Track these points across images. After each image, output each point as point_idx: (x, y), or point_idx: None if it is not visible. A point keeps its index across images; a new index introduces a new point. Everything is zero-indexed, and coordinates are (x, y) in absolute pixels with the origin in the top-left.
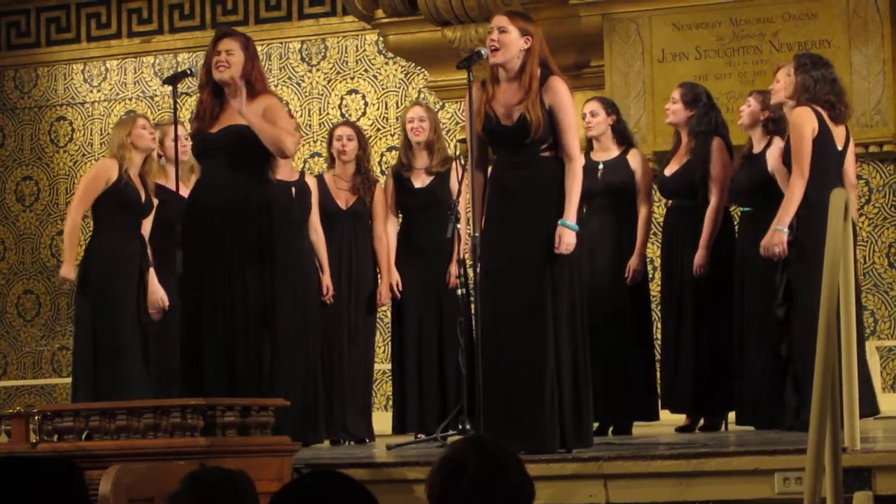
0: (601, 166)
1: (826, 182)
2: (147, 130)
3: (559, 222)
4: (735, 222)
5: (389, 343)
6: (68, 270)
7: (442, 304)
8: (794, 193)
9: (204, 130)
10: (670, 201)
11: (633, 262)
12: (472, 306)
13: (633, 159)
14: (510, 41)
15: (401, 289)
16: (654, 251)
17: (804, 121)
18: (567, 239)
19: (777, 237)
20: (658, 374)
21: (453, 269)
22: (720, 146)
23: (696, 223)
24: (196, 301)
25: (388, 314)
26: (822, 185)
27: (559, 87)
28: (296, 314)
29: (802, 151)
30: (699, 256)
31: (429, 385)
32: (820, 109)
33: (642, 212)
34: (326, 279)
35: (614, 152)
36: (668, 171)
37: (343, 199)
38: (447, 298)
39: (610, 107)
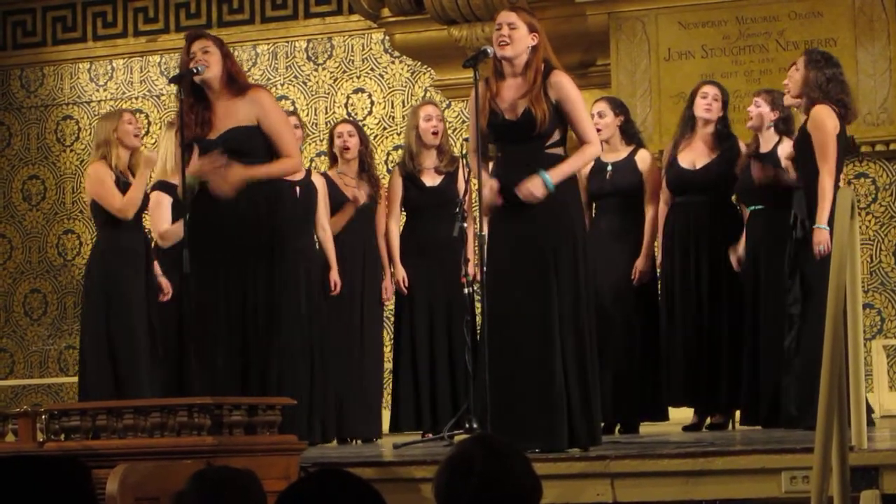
0: (610, 167)
1: (838, 181)
2: (133, 126)
3: (538, 172)
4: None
5: (393, 341)
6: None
7: (450, 303)
8: (827, 191)
9: (202, 138)
10: (678, 197)
11: (639, 263)
12: (479, 305)
13: (642, 160)
14: (520, 36)
15: (407, 285)
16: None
17: (828, 118)
18: (535, 189)
19: (821, 236)
20: (666, 372)
21: (463, 268)
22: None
23: (711, 218)
24: (207, 300)
25: (394, 313)
26: (834, 183)
27: (563, 81)
28: (304, 312)
29: (829, 149)
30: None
31: (440, 383)
32: (834, 108)
33: (649, 212)
34: (334, 275)
35: (623, 153)
36: (687, 164)
37: (352, 196)
38: (456, 297)
39: (618, 107)
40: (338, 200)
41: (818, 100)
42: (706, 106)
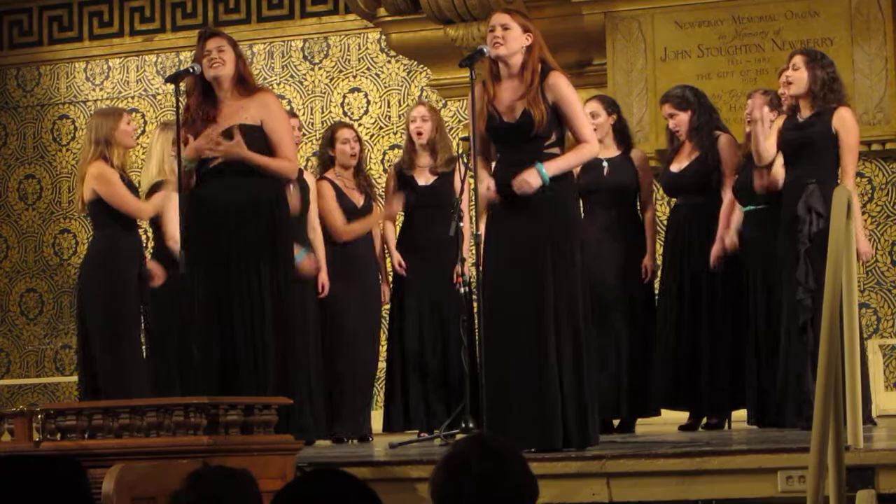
0: (605, 164)
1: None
2: (131, 127)
3: (535, 165)
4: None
5: (388, 340)
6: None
7: (445, 302)
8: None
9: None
10: (674, 199)
11: (648, 261)
12: (475, 304)
13: (637, 158)
14: (513, 37)
15: (405, 267)
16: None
17: (855, 123)
18: (530, 178)
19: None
20: (661, 370)
21: (459, 268)
22: (729, 141)
23: (704, 219)
24: (206, 300)
25: (388, 312)
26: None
27: (560, 82)
28: (304, 311)
29: (856, 151)
30: (717, 249)
31: (433, 383)
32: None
33: (649, 211)
34: (323, 276)
35: (614, 151)
36: (675, 167)
37: (356, 199)
38: (451, 296)
39: (610, 106)
40: (348, 206)
41: (834, 100)
42: (676, 133)
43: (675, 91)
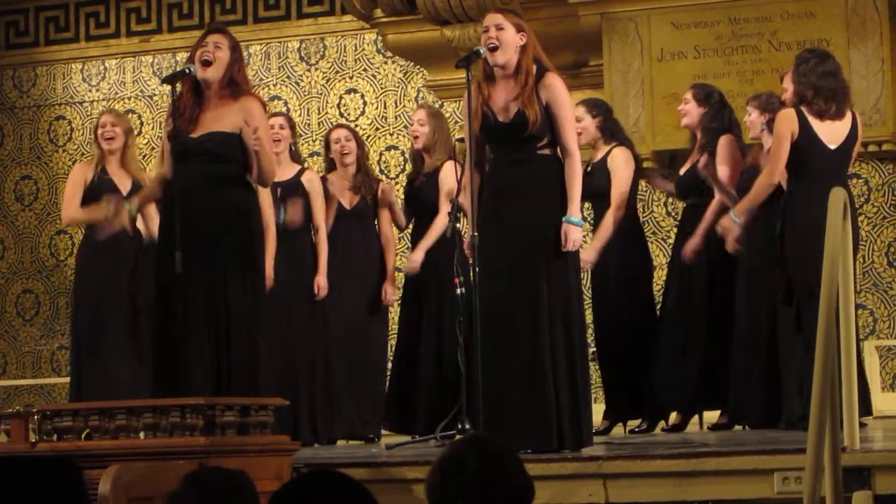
0: (589, 168)
1: (808, 182)
2: (102, 129)
3: (564, 219)
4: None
5: (393, 342)
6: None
7: (444, 303)
8: (759, 190)
9: (183, 133)
10: (683, 201)
11: (586, 256)
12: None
13: (612, 158)
14: (508, 38)
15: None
16: (659, 247)
17: (782, 124)
18: (573, 235)
19: (727, 223)
20: (661, 371)
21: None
22: (728, 142)
23: (696, 222)
24: (177, 305)
25: (392, 312)
26: (802, 185)
27: (556, 83)
28: (279, 317)
29: (776, 153)
30: (694, 244)
31: (437, 384)
32: (804, 109)
33: (611, 212)
34: (321, 279)
35: (601, 152)
36: (683, 169)
37: (347, 199)
38: (452, 298)
39: (594, 108)
40: (333, 207)
41: (790, 104)
42: (681, 115)
43: (702, 84)
